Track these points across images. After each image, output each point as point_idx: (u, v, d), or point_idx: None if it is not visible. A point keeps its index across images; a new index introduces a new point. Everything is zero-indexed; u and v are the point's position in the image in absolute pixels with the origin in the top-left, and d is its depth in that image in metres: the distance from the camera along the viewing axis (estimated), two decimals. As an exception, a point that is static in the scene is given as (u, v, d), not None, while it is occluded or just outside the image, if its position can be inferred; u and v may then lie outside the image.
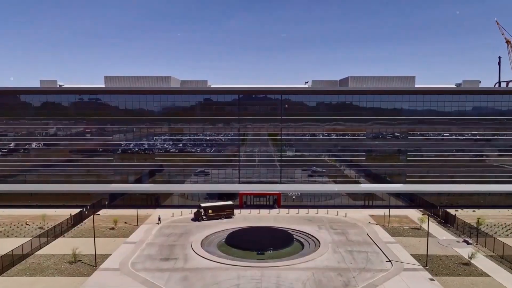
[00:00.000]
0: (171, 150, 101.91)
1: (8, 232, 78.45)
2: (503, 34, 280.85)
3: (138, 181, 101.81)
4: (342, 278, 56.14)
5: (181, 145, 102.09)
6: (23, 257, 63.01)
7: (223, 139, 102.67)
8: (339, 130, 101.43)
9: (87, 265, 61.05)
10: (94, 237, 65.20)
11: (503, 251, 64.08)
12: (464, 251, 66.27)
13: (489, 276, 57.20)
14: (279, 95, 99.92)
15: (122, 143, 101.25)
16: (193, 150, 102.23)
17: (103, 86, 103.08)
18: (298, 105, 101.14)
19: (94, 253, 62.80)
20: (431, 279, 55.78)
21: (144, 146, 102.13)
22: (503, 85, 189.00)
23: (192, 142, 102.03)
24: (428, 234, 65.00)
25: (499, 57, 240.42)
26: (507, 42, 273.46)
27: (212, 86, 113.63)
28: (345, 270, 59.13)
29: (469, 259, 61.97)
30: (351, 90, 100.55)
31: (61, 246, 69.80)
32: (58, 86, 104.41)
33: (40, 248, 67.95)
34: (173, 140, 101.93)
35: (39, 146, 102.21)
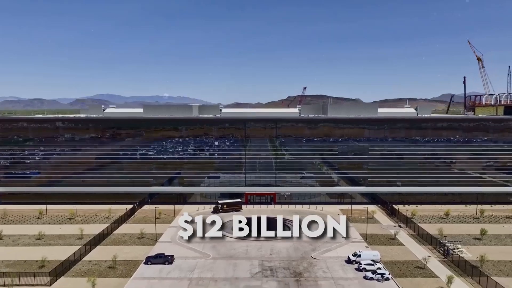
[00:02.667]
0: (194, 161, 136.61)
1: (86, 220, 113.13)
2: (474, 52, 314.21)
3: (170, 183, 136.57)
4: (312, 246, 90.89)
5: (201, 156, 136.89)
6: (107, 235, 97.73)
7: (232, 152, 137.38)
8: (320, 146, 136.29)
9: (150, 239, 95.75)
10: (155, 223, 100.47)
11: (418, 231, 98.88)
12: (395, 231, 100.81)
13: (403, 245, 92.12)
14: (274, 122, 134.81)
15: (158, 155, 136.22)
16: (210, 160, 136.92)
17: (142, 112, 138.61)
18: (289, 127, 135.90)
19: (154, 232, 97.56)
20: (366, 247, 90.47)
21: (175, 158, 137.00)
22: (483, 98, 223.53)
23: (209, 154, 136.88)
24: (367, 221, 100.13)
25: (464, 77, 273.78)
26: (478, 59, 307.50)
27: (223, 110, 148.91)
28: (314, 243, 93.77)
29: (394, 236, 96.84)
30: (329, 118, 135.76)
31: (127, 229, 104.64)
32: (102, 108, 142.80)
33: (115, 230, 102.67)
34: (195, 153, 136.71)
35: (91, 158, 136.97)
